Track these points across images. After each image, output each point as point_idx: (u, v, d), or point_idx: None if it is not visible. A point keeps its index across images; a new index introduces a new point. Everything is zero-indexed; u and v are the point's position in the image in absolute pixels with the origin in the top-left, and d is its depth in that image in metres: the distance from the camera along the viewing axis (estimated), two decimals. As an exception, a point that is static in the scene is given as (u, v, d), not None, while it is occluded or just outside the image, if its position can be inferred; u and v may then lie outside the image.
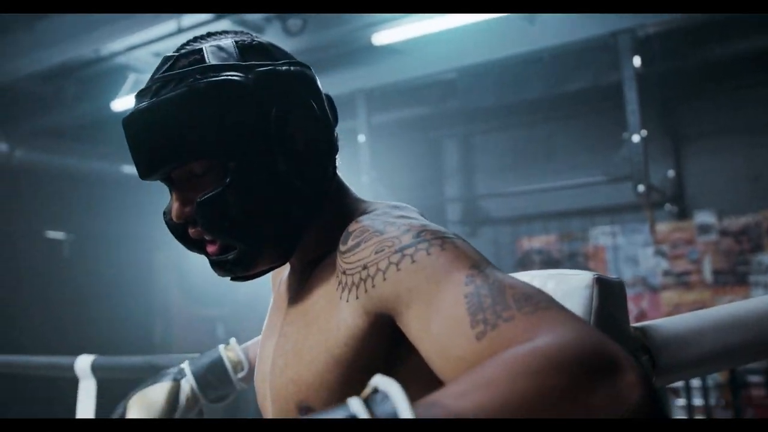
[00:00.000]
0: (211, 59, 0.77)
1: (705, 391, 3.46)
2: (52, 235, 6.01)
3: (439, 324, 0.61)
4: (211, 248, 0.80)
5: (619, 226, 5.24)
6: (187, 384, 1.13)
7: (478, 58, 4.36)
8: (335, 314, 0.74)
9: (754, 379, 4.52)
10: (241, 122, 0.75)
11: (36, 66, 4.34)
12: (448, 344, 0.59)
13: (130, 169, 5.86)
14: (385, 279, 0.67)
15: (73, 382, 1.76)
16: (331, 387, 0.73)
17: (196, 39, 0.82)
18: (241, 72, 0.77)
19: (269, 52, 0.82)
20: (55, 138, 5.35)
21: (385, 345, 0.71)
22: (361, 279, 0.70)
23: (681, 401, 4.15)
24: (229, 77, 0.75)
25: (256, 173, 0.76)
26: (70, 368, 1.84)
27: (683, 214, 5.14)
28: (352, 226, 0.76)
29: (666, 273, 5.00)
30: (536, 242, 5.52)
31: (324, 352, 0.74)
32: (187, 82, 0.75)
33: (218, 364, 1.19)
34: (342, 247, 0.75)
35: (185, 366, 1.18)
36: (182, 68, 0.77)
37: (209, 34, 0.83)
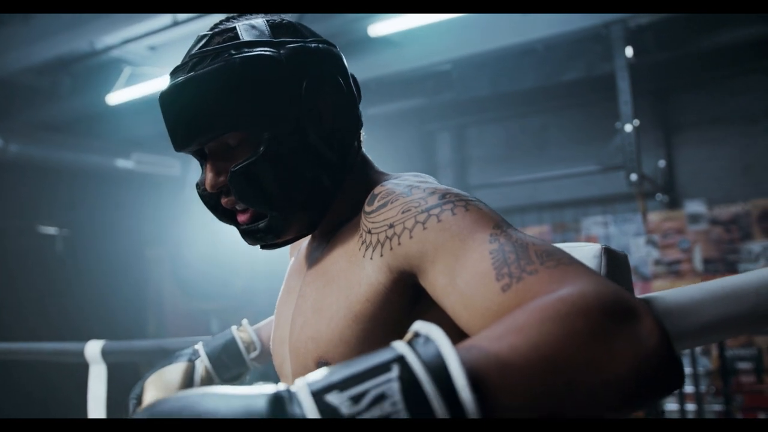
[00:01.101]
0: (244, 36, 0.81)
1: (696, 378, 3.52)
2: (45, 230, 5.99)
3: (466, 278, 0.64)
4: (242, 217, 0.85)
5: (611, 216, 5.30)
6: (202, 364, 1.17)
7: (472, 50, 4.39)
8: (357, 272, 0.77)
9: (744, 365, 4.59)
10: (274, 95, 0.79)
11: (31, 59, 4.33)
12: (474, 297, 0.63)
13: (124, 163, 5.85)
14: (411, 237, 0.71)
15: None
16: (350, 343, 0.76)
17: (228, 19, 0.86)
18: (273, 48, 0.81)
19: (298, 30, 0.86)
20: (50, 132, 5.33)
21: (404, 302, 0.74)
22: (387, 237, 0.73)
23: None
24: (263, 52, 0.80)
25: (288, 143, 0.80)
26: (80, 354, 1.86)
27: (674, 203, 5.20)
28: (378, 189, 0.80)
29: (657, 262, 5.06)
30: (529, 232, 5.52)
31: (344, 308, 0.77)
32: (223, 57, 0.79)
33: (231, 345, 1.22)
34: (367, 208, 0.79)
35: (199, 347, 1.21)
36: (217, 45, 0.81)
37: (241, 15, 0.86)
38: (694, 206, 4.98)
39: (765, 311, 1.03)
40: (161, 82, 4.29)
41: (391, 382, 0.43)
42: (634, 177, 4.07)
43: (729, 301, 1.03)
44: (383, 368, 0.45)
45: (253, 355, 1.22)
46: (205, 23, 3.77)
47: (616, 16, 3.97)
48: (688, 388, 3.81)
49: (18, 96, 5.10)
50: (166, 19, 3.97)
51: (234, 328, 1.26)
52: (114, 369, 1.79)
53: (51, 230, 6.00)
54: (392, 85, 5.06)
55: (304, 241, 0.99)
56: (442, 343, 0.46)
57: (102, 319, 5.29)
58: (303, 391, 0.44)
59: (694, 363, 3.56)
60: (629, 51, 4.10)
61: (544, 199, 5.59)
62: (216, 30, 0.84)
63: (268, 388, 0.44)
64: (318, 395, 0.43)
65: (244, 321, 1.28)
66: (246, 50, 0.79)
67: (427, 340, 0.47)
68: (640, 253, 5.12)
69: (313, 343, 0.79)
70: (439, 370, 0.44)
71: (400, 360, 0.45)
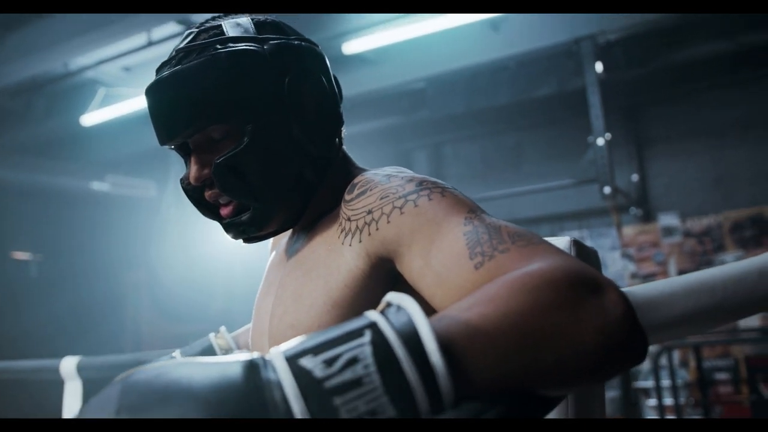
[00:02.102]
0: (229, 32, 0.84)
1: (675, 390, 3.55)
2: (19, 255, 5.90)
3: (440, 258, 0.66)
4: (225, 211, 0.86)
5: (587, 231, 5.36)
6: (178, 371, 1.16)
7: (445, 67, 4.45)
8: (336, 259, 0.79)
9: (721, 376, 4.63)
10: (258, 88, 0.81)
11: (4, 80, 4.30)
12: (448, 275, 0.64)
13: (100, 186, 5.80)
14: (389, 222, 0.73)
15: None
16: None
17: (214, 18, 0.88)
18: (257, 43, 0.83)
19: (282, 29, 0.89)
20: (24, 155, 5.28)
21: (382, 288, 0.76)
22: (365, 223, 0.75)
23: (652, 401, 4.25)
24: (247, 47, 0.82)
25: (271, 136, 0.82)
26: (56, 371, 1.83)
27: (648, 217, 5.27)
28: (357, 179, 0.82)
29: (633, 275, 5.12)
30: (507, 248, 5.58)
31: (323, 295, 0.78)
32: (208, 51, 0.81)
33: (209, 352, 1.22)
34: (347, 197, 0.81)
35: (176, 355, 1.21)
36: (203, 40, 0.83)
37: (227, 15, 0.89)
38: (668, 219, 5.06)
39: (732, 304, 1.05)
40: (137, 103, 4.28)
41: (363, 346, 0.44)
42: (607, 190, 4.13)
43: (700, 294, 1.06)
44: (356, 334, 0.46)
45: (231, 361, 1.21)
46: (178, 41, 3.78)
47: (585, 31, 4.06)
48: (668, 401, 3.84)
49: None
50: (140, 39, 3.98)
51: (212, 335, 1.26)
52: (91, 386, 1.76)
53: (25, 255, 5.91)
54: (368, 104, 5.10)
55: (285, 235, 1.00)
56: (413, 311, 0.47)
57: (78, 345, 5.17)
58: (277, 357, 0.45)
59: (672, 375, 3.59)
60: (599, 66, 4.19)
61: (520, 215, 5.65)
62: (202, 27, 0.86)
63: (243, 356, 0.45)
64: (292, 360, 0.44)
65: (222, 328, 1.28)
66: (231, 45, 0.81)
67: (399, 308, 0.48)
68: (616, 266, 5.17)
69: (293, 330, 0.80)
70: (410, 335, 0.45)
71: (373, 326, 0.46)
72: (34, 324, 5.45)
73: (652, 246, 5.08)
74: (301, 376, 0.43)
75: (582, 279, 0.54)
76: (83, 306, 5.76)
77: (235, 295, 5.64)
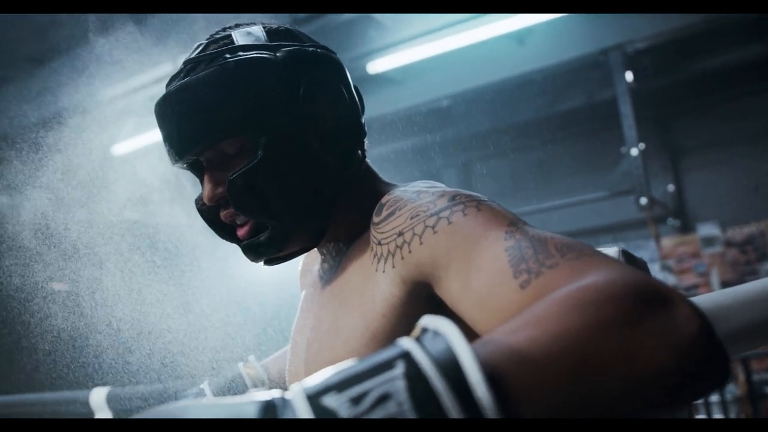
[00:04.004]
0: (240, 41, 0.79)
1: (724, 405, 3.41)
2: (57, 286, 5.96)
3: (481, 279, 0.59)
4: (242, 231, 0.80)
5: (623, 244, 5.22)
6: (207, 404, 1.12)
7: (471, 83, 4.41)
8: (371, 287, 0.73)
9: (772, 390, 4.46)
10: (271, 98, 0.76)
11: (35, 114, 4.37)
12: (490, 297, 0.58)
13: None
14: (421, 243, 0.66)
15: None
16: None
17: (224, 29, 0.83)
18: (269, 51, 0.78)
19: (295, 35, 0.83)
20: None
21: (422, 315, 0.70)
22: (396, 246, 0.69)
23: (701, 417, 4.09)
24: (258, 55, 0.76)
25: (286, 148, 0.76)
26: (86, 403, 1.81)
27: (686, 227, 5.13)
28: (385, 199, 0.75)
29: (674, 288, 4.98)
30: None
31: (361, 327, 0.72)
32: (218, 61, 0.76)
33: (238, 381, 1.17)
34: (375, 219, 0.74)
35: (204, 386, 1.17)
36: (212, 50, 0.78)
37: (237, 25, 0.84)
38: (708, 229, 4.92)
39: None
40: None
41: (395, 380, 0.38)
42: (643, 201, 4.02)
43: (757, 307, 0.98)
44: (386, 366, 0.39)
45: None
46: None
47: (612, 42, 4.00)
48: (717, 416, 3.68)
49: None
50: (167, 67, 4.01)
51: (240, 364, 1.21)
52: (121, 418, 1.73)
53: (61, 286, 5.96)
54: (394, 124, 5.08)
55: (316, 264, 0.94)
56: (452, 337, 0.41)
57: (110, 376, 5.19)
58: (298, 395, 0.39)
59: (721, 389, 3.45)
60: (629, 76, 4.11)
61: (554, 231, 5.54)
62: (211, 38, 0.81)
63: (261, 395, 0.40)
64: (314, 398, 0.38)
65: (251, 357, 1.23)
66: (241, 54, 0.76)
67: (436, 334, 0.42)
68: (655, 279, 5.04)
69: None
70: (449, 365, 0.39)
71: (406, 356, 0.40)
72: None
73: (692, 257, 4.93)
74: (323, 417, 0.37)
75: (647, 292, 0.47)
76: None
77: (261, 320, 5.61)
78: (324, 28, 3.69)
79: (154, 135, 4.47)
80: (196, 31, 3.51)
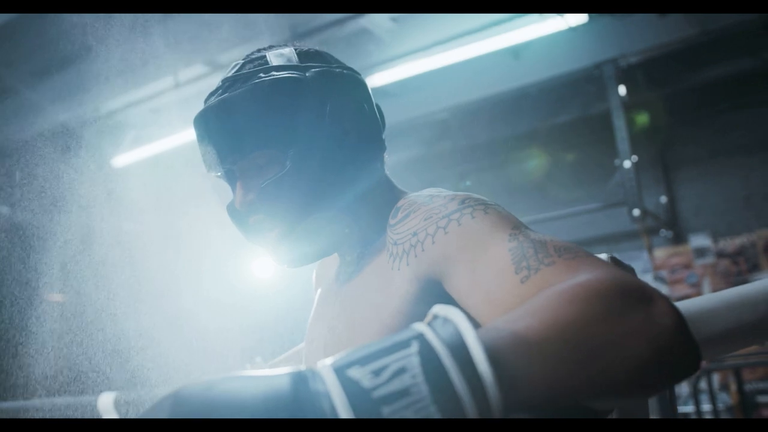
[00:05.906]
0: (273, 62, 0.87)
1: (716, 415, 3.44)
2: (54, 297, 5.96)
3: (486, 275, 0.66)
4: (269, 236, 0.87)
5: (617, 255, 5.27)
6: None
7: (467, 97, 4.48)
8: (386, 285, 0.79)
9: (764, 399, 4.50)
10: (300, 114, 0.84)
11: (39, 125, 4.42)
12: (494, 291, 0.64)
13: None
14: (434, 242, 0.73)
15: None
16: None
17: (259, 50, 0.92)
18: (299, 71, 0.86)
19: (324, 57, 0.92)
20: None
21: None
22: (411, 245, 0.76)
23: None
24: (290, 75, 0.84)
25: (314, 160, 0.84)
26: (93, 407, 1.85)
27: (679, 238, 5.19)
28: (400, 203, 0.84)
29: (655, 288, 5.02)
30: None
31: (377, 323, 0.79)
32: (252, 80, 0.84)
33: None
34: (392, 221, 0.82)
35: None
36: (248, 70, 0.86)
37: (271, 46, 0.92)
38: (700, 240, 4.98)
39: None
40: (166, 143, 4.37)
41: (411, 356, 0.45)
42: (636, 212, 4.09)
43: (740, 311, 1.03)
44: (403, 344, 0.46)
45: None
46: (208, 83, 3.87)
47: (606, 56, 4.07)
48: (709, 426, 3.70)
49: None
50: (168, 82, 4.08)
51: (248, 366, 1.26)
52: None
53: (58, 297, 5.97)
54: (392, 136, 5.13)
55: (333, 265, 1.01)
56: (459, 322, 0.47)
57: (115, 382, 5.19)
58: (325, 368, 0.45)
59: (713, 399, 3.49)
60: (622, 89, 4.18)
61: (549, 240, 5.59)
62: (247, 59, 0.89)
63: (291, 368, 0.46)
64: (340, 370, 0.44)
65: (258, 358, 1.28)
66: (274, 73, 0.84)
67: (446, 320, 0.48)
68: (648, 290, 5.08)
69: None
70: (457, 345, 0.45)
71: (420, 337, 0.46)
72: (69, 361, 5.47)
73: (684, 268, 4.99)
74: (349, 386, 0.43)
75: (631, 289, 0.54)
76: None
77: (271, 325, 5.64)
78: (324, 43, 3.77)
79: (154, 147, 4.53)
80: (195, 47, 3.58)
